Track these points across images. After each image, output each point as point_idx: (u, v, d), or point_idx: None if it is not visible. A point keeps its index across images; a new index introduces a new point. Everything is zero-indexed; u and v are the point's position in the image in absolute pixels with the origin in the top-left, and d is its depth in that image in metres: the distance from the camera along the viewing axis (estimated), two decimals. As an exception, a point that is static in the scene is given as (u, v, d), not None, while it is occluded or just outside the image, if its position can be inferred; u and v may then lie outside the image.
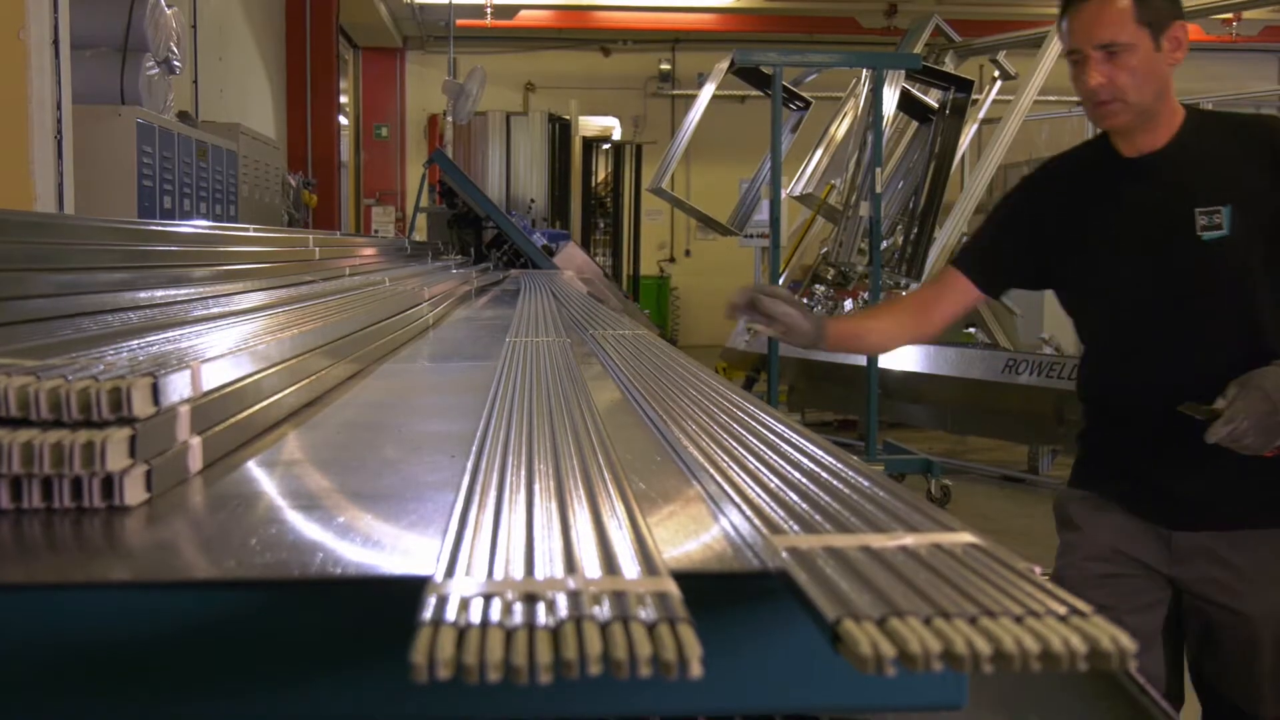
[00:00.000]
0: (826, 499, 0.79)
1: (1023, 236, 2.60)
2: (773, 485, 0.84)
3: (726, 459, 0.93)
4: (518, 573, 0.62)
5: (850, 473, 0.87)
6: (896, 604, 0.56)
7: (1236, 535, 2.37)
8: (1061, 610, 0.55)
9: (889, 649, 0.51)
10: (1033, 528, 6.96)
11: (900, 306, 3.14)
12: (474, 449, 0.97)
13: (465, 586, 0.59)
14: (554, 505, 0.78)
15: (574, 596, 0.58)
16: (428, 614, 0.55)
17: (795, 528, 0.71)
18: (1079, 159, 2.61)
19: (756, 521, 0.73)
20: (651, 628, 0.53)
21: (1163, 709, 0.75)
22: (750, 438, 1.03)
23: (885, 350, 3.55)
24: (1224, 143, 2.40)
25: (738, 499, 0.79)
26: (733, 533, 0.77)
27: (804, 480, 0.85)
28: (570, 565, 0.63)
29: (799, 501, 0.78)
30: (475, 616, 0.55)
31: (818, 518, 0.74)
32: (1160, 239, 2.38)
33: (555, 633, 0.54)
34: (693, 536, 0.78)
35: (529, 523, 0.73)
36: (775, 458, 0.94)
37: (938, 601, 0.57)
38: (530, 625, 0.54)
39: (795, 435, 1.04)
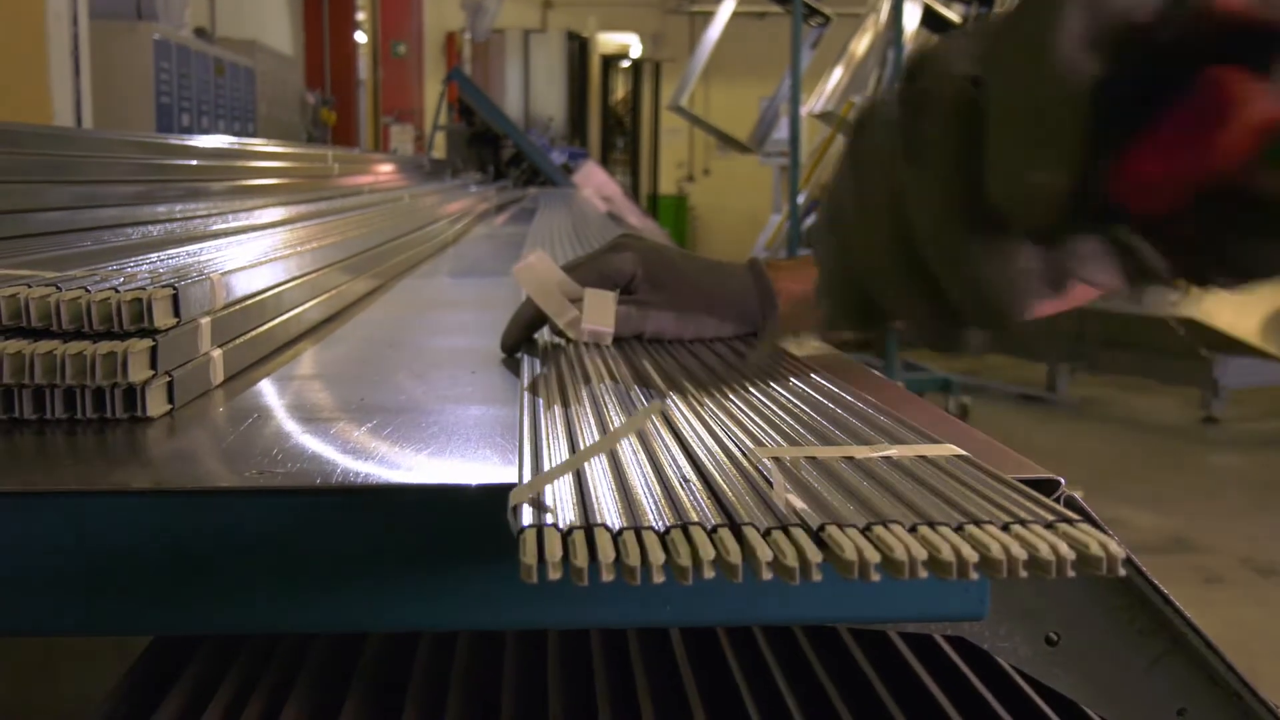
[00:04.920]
0: (811, 414, 0.78)
1: None
2: (756, 401, 0.83)
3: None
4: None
5: (833, 387, 0.86)
6: (881, 511, 0.55)
7: None
8: (1049, 517, 0.54)
9: (873, 555, 0.50)
10: (1058, 446, 6.96)
11: None
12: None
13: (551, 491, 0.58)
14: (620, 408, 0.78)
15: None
16: (526, 519, 0.54)
17: (778, 440, 0.71)
18: None
19: (739, 434, 0.72)
20: (766, 534, 0.53)
21: (1185, 619, 0.75)
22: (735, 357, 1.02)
23: None
24: None
25: (721, 415, 0.78)
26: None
27: (788, 396, 0.84)
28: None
29: (784, 417, 0.77)
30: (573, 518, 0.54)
31: (801, 430, 0.73)
32: None
33: (663, 537, 0.53)
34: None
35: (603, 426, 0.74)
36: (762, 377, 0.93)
37: (923, 509, 0.56)
38: (636, 528, 0.53)
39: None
